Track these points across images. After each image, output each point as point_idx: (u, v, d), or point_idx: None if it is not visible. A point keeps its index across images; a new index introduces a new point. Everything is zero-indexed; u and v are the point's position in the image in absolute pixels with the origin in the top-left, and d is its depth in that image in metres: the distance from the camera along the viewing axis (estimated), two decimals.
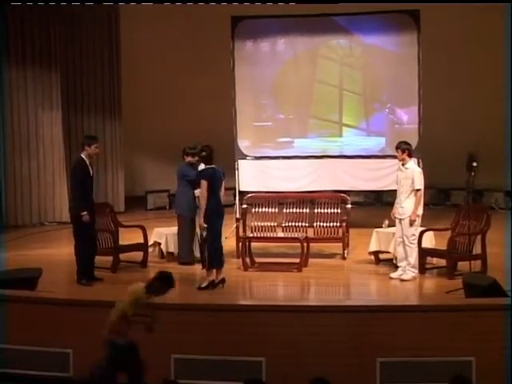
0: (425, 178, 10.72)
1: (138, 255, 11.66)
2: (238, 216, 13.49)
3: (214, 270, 10.24)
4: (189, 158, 11.74)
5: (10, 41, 15.30)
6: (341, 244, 11.91)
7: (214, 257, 10.20)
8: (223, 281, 10.24)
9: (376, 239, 11.45)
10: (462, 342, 7.93)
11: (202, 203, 10.14)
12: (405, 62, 14.44)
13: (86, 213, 10.45)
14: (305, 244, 11.34)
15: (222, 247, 10.46)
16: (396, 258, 10.88)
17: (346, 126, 15.07)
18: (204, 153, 10.35)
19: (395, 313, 8.21)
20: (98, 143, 10.92)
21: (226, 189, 16.14)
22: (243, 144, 15.04)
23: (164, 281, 7.58)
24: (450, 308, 8.31)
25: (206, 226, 10.07)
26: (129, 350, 7.35)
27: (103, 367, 7.32)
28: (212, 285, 10.17)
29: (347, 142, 15.05)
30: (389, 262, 11.34)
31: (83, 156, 10.66)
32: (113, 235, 11.47)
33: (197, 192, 11.65)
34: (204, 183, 10.12)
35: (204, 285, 10.18)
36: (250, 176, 14.89)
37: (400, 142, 10.78)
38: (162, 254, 12.07)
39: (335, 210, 12.19)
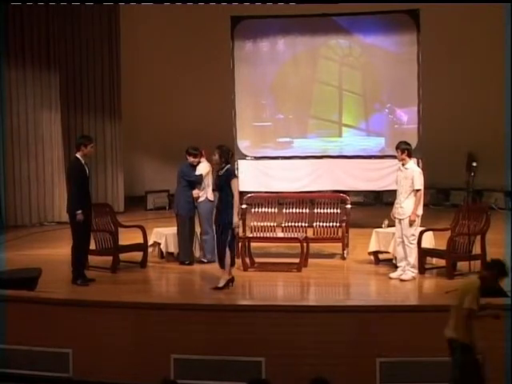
0: (425, 178, 10.71)
1: (137, 255, 11.66)
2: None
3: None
4: (191, 159, 11.76)
5: (9, 41, 15.30)
6: (340, 244, 11.91)
7: (234, 255, 10.25)
8: (233, 280, 10.26)
9: (376, 239, 11.45)
10: None
11: (237, 202, 10.12)
12: (405, 62, 14.44)
13: (80, 212, 10.42)
14: (304, 244, 11.33)
15: None
16: (396, 258, 10.88)
17: (346, 126, 15.07)
18: (229, 153, 10.36)
19: (395, 313, 8.21)
20: (93, 142, 10.92)
21: None
22: (243, 144, 15.05)
23: (500, 268, 7.23)
24: (449, 308, 8.30)
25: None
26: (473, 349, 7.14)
27: (465, 373, 7.00)
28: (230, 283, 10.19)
29: (347, 142, 15.06)
30: (388, 262, 11.34)
31: (79, 156, 10.65)
32: (112, 235, 11.45)
33: (195, 192, 11.68)
34: (236, 181, 10.15)
35: (222, 284, 10.11)
36: (250, 176, 14.89)
37: (400, 143, 10.78)
38: (161, 254, 12.07)
39: (335, 210, 12.19)
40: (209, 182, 11.85)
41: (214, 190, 11.80)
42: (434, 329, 8.02)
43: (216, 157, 10.25)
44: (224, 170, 10.20)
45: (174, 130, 17.65)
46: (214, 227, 10.55)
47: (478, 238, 10.58)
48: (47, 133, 15.79)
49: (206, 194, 11.77)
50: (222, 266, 10.15)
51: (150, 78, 17.91)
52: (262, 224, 12.14)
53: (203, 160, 11.91)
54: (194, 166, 11.78)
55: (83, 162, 10.63)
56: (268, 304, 9.07)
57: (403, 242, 10.55)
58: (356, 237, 12.68)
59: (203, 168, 11.80)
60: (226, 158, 10.28)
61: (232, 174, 10.19)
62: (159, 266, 11.82)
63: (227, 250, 10.05)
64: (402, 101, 14.79)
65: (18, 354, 8.53)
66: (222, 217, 10.09)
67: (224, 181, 10.14)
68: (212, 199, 11.85)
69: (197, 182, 11.67)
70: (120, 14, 16.89)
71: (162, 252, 12.05)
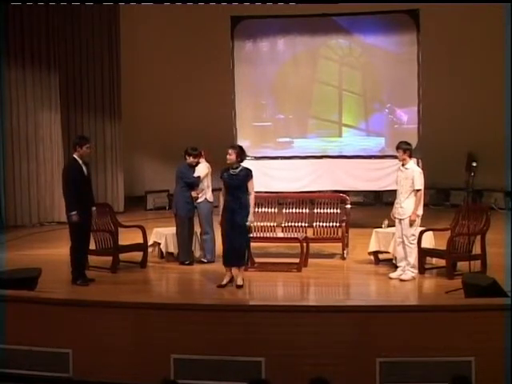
0: (425, 178, 10.72)
1: (137, 255, 11.66)
2: None
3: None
4: (190, 159, 11.75)
5: (9, 41, 15.31)
6: (340, 244, 11.91)
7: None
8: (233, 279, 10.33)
9: (375, 239, 11.46)
10: (461, 342, 7.93)
11: (253, 202, 10.20)
12: (405, 62, 14.45)
13: (74, 213, 10.39)
14: (304, 244, 11.33)
15: None
16: (395, 258, 10.88)
17: (346, 126, 15.08)
18: (245, 153, 10.38)
19: (395, 313, 8.20)
20: (89, 143, 10.76)
21: None
22: (243, 144, 14.87)
23: None
24: (449, 308, 8.30)
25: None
26: None
27: None
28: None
29: (347, 142, 15.07)
30: (388, 262, 11.35)
31: (75, 157, 10.65)
32: (112, 235, 11.46)
33: (194, 193, 11.68)
34: (253, 181, 10.17)
35: (241, 283, 10.24)
36: None
37: (401, 142, 10.78)
38: (161, 254, 12.08)
39: (335, 210, 12.19)
40: (208, 182, 11.84)
41: (214, 190, 11.84)
42: (434, 329, 8.03)
43: (232, 156, 10.19)
44: (239, 169, 10.18)
45: (174, 130, 17.66)
46: (227, 226, 10.29)
47: (478, 238, 10.59)
48: (47, 133, 15.80)
49: (205, 195, 11.77)
50: (241, 263, 10.20)
51: (150, 78, 17.92)
52: (261, 224, 12.14)
53: (202, 161, 11.91)
54: (192, 167, 11.77)
55: (81, 162, 10.61)
56: (268, 304, 9.06)
57: (403, 241, 10.55)
58: (356, 237, 12.68)
59: (202, 169, 11.79)
60: (242, 157, 10.28)
61: (250, 175, 10.16)
62: (159, 266, 11.82)
63: (246, 248, 10.20)
64: (402, 101, 14.80)
65: (18, 354, 8.51)
66: (241, 216, 10.07)
67: (241, 180, 10.12)
68: (211, 200, 11.87)
69: (194, 184, 11.66)
70: (120, 14, 16.91)
71: (161, 252, 12.05)
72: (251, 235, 10.64)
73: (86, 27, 16.65)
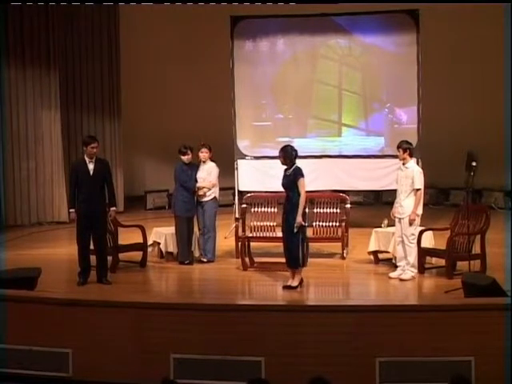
0: (424, 178, 10.73)
1: (137, 255, 11.67)
2: (237, 216, 13.50)
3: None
4: (181, 157, 11.80)
5: (9, 41, 15.30)
6: (340, 244, 11.92)
7: (304, 255, 10.35)
8: (302, 281, 10.30)
9: (375, 239, 11.46)
10: (461, 341, 7.93)
11: (302, 202, 10.09)
12: (404, 62, 14.44)
13: (72, 211, 10.60)
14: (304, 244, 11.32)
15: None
16: (395, 258, 10.90)
17: (346, 125, 15.07)
18: (293, 153, 10.26)
19: (394, 312, 8.21)
20: (95, 143, 10.76)
21: (225, 188, 16.24)
22: (242, 144, 15.04)
23: None
24: (449, 308, 8.31)
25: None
26: None
27: None
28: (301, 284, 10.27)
29: (346, 141, 15.06)
30: (388, 262, 11.36)
31: (84, 156, 10.74)
32: (112, 235, 11.46)
33: (201, 191, 11.69)
34: (303, 181, 10.10)
35: (295, 284, 10.20)
36: (250, 176, 14.89)
37: (401, 142, 10.80)
38: (161, 254, 12.09)
39: (334, 210, 12.18)
40: (217, 181, 11.89)
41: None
42: (433, 329, 8.03)
43: (281, 159, 10.25)
44: (291, 169, 10.20)
45: (174, 129, 17.63)
46: (282, 227, 10.34)
47: (478, 237, 10.59)
48: (47, 133, 15.79)
49: (214, 193, 11.79)
50: (294, 265, 10.17)
51: (150, 78, 17.90)
52: (261, 224, 12.11)
53: (209, 161, 11.91)
54: (187, 165, 11.79)
55: (88, 161, 10.65)
56: (268, 304, 9.07)
57: (403, 241, 10.56)
58: (356, 236, 12.69)
59: (213, 170, 11.81)
60: (291, 158, 10.24)
61: (298, 174, 10.12)
62: (159, 265, 11.83)
63: (300, 250, 10.12)
64: (402, 100, 14.79)
65: (18, 354, 8.52)
66: (292, 217, 10.06)
67: (291, 181, 10.13)
68: (218, 199, 11.93)
69: (190, 188, 11.65)
70: (120, 14, 16.91)
71: (161, 252, 12.06)
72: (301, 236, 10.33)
73: (86, 27, 16.62)
